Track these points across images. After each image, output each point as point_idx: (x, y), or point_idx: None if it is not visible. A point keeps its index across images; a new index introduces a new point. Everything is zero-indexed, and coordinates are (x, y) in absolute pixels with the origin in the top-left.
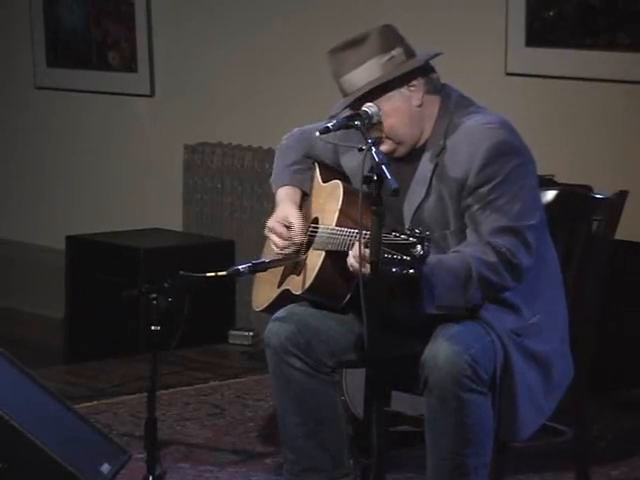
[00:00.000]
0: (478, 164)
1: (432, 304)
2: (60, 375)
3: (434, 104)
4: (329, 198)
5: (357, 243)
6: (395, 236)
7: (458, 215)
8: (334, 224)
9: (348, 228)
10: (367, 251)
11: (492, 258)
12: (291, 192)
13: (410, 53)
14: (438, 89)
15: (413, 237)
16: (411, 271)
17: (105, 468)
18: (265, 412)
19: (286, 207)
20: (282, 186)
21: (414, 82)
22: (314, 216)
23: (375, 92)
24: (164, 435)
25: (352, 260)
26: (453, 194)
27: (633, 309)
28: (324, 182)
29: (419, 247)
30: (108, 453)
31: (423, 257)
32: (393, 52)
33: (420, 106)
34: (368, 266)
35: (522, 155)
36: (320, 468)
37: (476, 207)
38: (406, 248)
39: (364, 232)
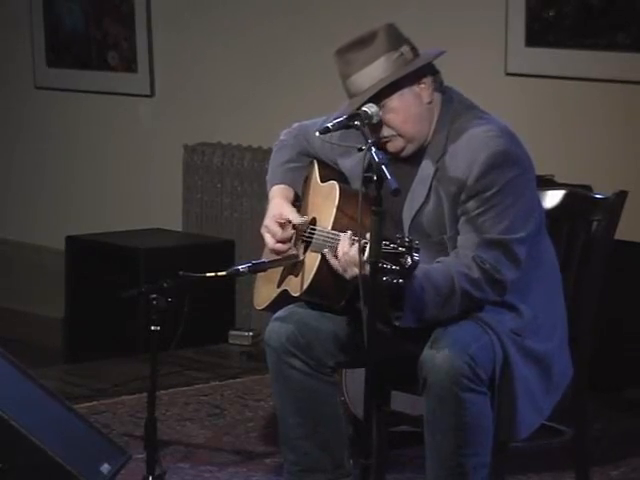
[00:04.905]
0: (476, 172)
1: (414, 319)
2: (60, 375)
3: (440, 103)
4: (326, 199)
5: (339, 244)
6: (385, 245)
7: (454, 221)
8: (330, 227)
9: (344, 231)
10: (355, 256)
11: (475, 274)
12: (284, 189)
13: (415, 51)
14: (442, 89)
15: (402, 247)
16: (400, 281)
17: (105, 468)
18: (265, 412)
19: (278, 204)
20: (275, 184)
21: (424, 79)
22: (312, 216)
23: (387, 90)
24: (164, 435)
25: (335, 263)
26: (450, 200)
27: (633, 309)
28: (322, 182)
29: (408, 257)
30: (108, 453)
31: (412, 267)
32: (402, 49)
33: (430, 103)
34: (355, 269)
35: (521, 165)
36: (320, 468)
37: (469, 215)
38: (396, 258)
39: (355, 237)
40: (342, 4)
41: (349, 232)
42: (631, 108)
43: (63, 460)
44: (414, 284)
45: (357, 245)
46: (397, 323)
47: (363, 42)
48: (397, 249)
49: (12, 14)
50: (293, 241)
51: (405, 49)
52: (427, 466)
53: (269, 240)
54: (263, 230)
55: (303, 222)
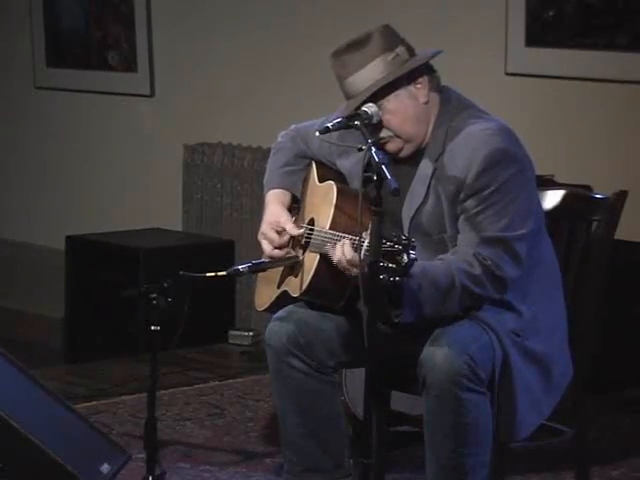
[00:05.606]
0: (475, 171)
1: (412, 314)
2: (60, 375)
3: (437, 103)
4: (324, 199)
5: (340, 243)
6: (382, 243)
7: (453, 220)
8: (328, 227)
9: (342, 230)
10: (355, 255)
11: (477, 271)
12: (280, 194)
13: (412, 52)
14: (440, 88)
15: (399, 245)
16: (397, 279)
17: (105, 468)
18: (265, 412)
19: (275, 210)
20: (272, 189)
21: (420, 80)
22: (310, 216)
23: (383, 91)
24: (164, 435)
25: (344, 263)
26: (449, 199)
27: (633, 309)
28: (320, 182)
29: (404, 255)
30: (108, 453)
31: (409, 265)
32: (397, 50)
33: (426, 103)
34: (354, 269)
35: (519, 163)
36: (320, 468)
37: (469, 214)
38: (392, 256)
39: (353, 237)
40: (342, 4)
41: (346, 240)
42: (631, 108)
43: (63, 460)
44: (411, 280)
45: (350, 246)
46: (397, 320)
47: (358, 44)
48: (393, 247)
49: (12, 14)
50: (290, 245)
51: (401, 50)
52: (427, 466)
53: (266, 247)
54: (260, 237)
55: (299, 234)
